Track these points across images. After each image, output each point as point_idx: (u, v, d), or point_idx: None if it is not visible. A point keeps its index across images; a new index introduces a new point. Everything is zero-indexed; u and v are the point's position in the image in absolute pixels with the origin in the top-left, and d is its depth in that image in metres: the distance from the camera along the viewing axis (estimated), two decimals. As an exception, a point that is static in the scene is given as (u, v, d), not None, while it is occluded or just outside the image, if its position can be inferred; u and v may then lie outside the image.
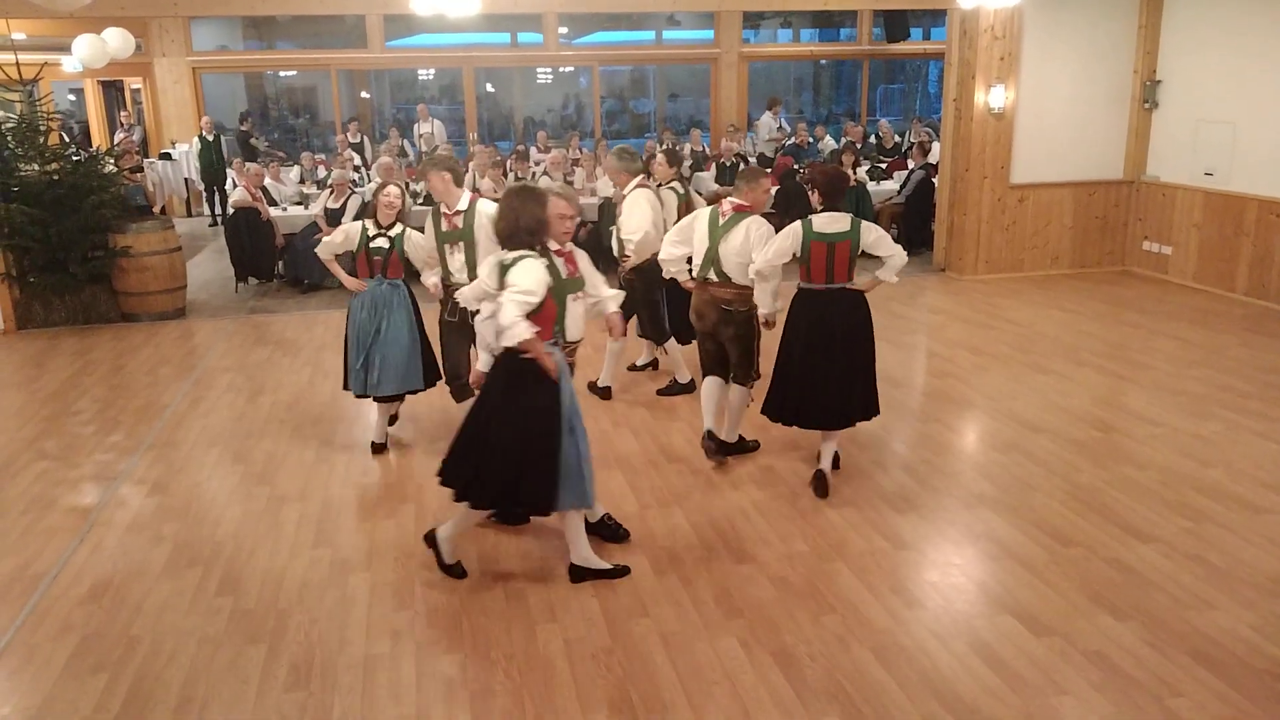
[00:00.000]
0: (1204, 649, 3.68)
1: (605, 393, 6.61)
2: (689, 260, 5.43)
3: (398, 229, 5.54)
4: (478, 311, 4.33)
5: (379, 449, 5.76)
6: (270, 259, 10.33)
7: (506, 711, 3.41)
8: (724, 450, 5.47)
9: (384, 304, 5.54)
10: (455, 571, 4.31)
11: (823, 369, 4.94)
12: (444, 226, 5.29)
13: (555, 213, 4.08)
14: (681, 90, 20.60)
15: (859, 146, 12.57)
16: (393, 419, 6.00)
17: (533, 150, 13.31)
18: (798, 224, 4.95)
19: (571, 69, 19.34)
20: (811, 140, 13.81)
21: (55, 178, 8.74)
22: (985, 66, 9.51)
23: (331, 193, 10.19)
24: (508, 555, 4.50)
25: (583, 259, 4.27)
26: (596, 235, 10.47)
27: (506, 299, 3.85)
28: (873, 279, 4.99)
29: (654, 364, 7.21)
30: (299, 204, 11.09)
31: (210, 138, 13.88)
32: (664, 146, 9.46)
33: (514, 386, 4.00)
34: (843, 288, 4.95)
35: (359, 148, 13.63)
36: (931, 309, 8.93)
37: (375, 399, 5.67)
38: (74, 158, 9.09)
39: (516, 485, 4.01)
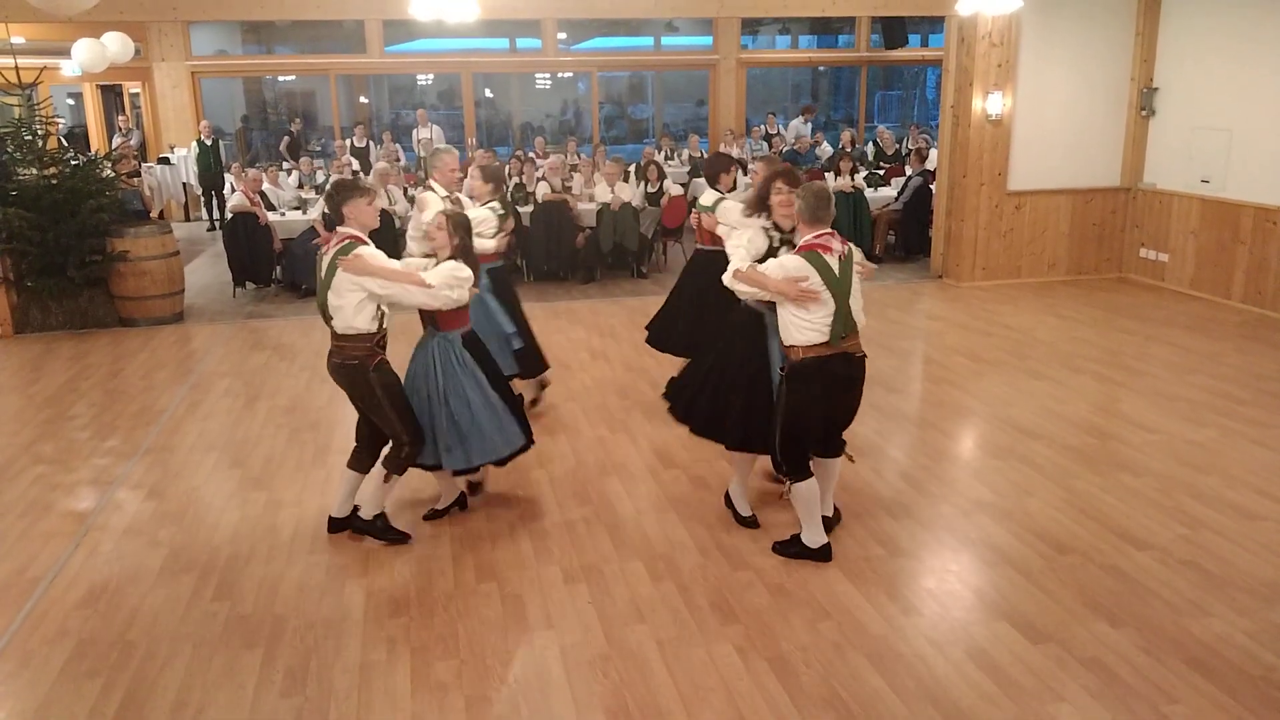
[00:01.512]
0: (1200, 656, 3.68)
1: None
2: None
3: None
4: None
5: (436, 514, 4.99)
6: (268, 264, 10.32)
7: (502, 718, 3.41)
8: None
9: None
10: (752, 522, 4.76)
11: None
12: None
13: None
14: (679, 96, 20.64)
15: (848, 151, 12.59)
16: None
17: (530, 155, 13.32)
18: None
19: (570, 74, 19.37)
20: (811, 146, 13.84)
21: (53, 182, 8.74)
22: (983, 73, 9.53)
23: (330, 197, 10.20)
24: (504, 562, 4.50)
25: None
26: (594, 242, 10.49)
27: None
28: None
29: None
30: (297, 209, 11.10)
31: (209, 142, 13.90)
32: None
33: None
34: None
35: (364, 152, 13.63)
36: (929, 315, 8.94)
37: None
38: (72, 162, 9.10)
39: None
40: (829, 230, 4.22)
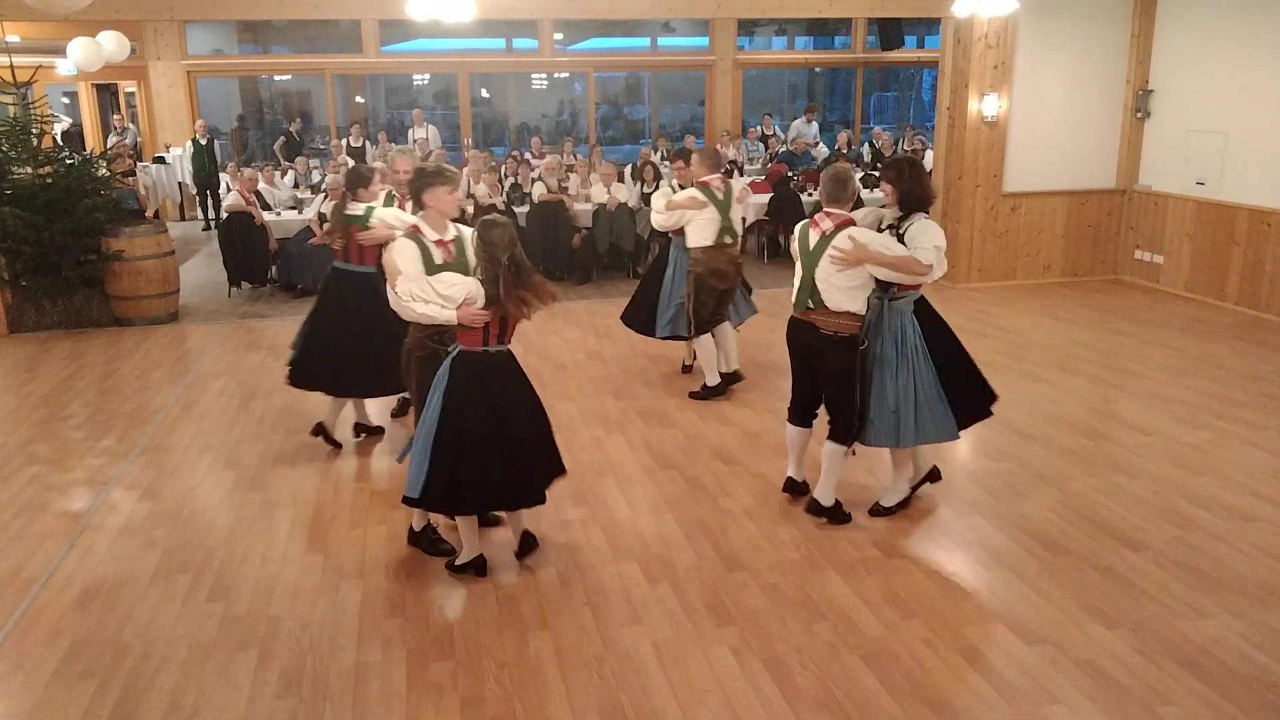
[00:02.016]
0: (1194, 657, 3.69)
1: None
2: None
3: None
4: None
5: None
6: (264, 263, 10.31)
7: (498, 719, 3.41)
8: None
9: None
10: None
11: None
12: (438, 259, 4.33)
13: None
14: (676, 97, 20.64)
15: (844, 152, 12.58)
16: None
17: (526, 155, 13.32)
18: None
19: (566, 75, 19.37)
20: (808, 147, 13.84)
21: (48, 181, 8.72)
22: (979, 75, 9.55)
23: (326, 197, 10.18)
24: (500, 563, 4.49)
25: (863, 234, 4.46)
26: (590, 242, 10.49)
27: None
28: None
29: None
30: (293, 208, 11.08)
31: (204, 141, 13.87)
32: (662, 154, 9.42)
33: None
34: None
35: (360, 152, 13.61)
36: (924, 316, 8.94)
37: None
38: (67, 161, 9.08)
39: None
40: (833, 211, 4.52)
